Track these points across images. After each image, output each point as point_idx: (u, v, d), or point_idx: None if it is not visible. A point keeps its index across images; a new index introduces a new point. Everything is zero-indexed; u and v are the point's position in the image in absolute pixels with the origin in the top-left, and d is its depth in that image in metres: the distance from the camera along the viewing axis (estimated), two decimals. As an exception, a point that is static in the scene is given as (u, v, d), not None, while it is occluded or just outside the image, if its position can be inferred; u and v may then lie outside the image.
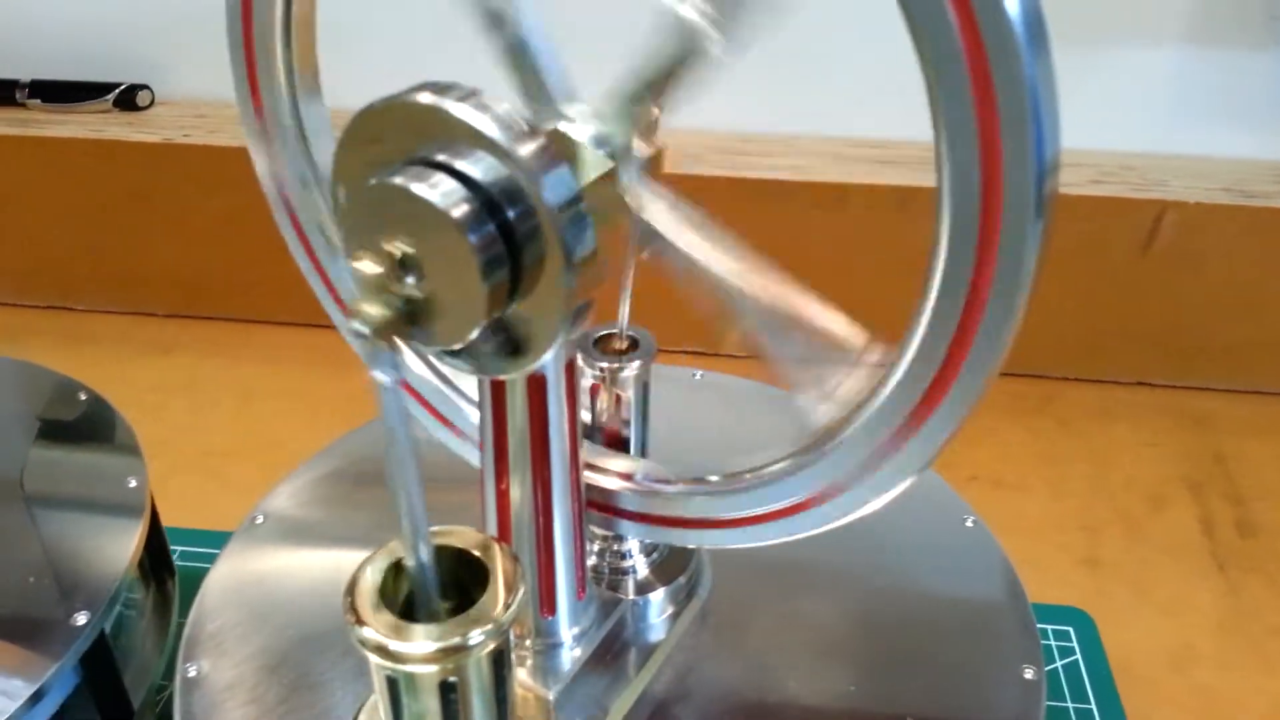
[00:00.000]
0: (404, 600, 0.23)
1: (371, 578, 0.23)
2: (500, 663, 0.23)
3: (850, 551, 0.32)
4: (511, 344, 0.22)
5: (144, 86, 0.69)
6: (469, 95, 0.20)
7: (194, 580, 0.41)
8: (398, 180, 0.19)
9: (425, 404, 0.28)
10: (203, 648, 0.29)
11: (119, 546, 0.33)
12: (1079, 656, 0.49)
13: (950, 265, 0.20)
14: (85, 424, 0.38)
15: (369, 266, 0.19)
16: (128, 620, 0.35)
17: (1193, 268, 0.62)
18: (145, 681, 0.34)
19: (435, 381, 0.28)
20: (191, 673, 0.29)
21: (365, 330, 0.19)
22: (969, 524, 0.34)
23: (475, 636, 0.22)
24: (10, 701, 0.29)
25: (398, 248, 0.19)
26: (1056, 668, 0.49)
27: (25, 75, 0.69)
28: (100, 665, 0.31)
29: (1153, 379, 0.66)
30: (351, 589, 0.22)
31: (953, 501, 0.34)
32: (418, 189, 0.19)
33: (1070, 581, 0.54)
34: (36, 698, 0.29)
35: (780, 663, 0.30)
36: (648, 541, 0.30)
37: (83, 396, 0.39)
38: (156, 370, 0.65)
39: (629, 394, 0.27)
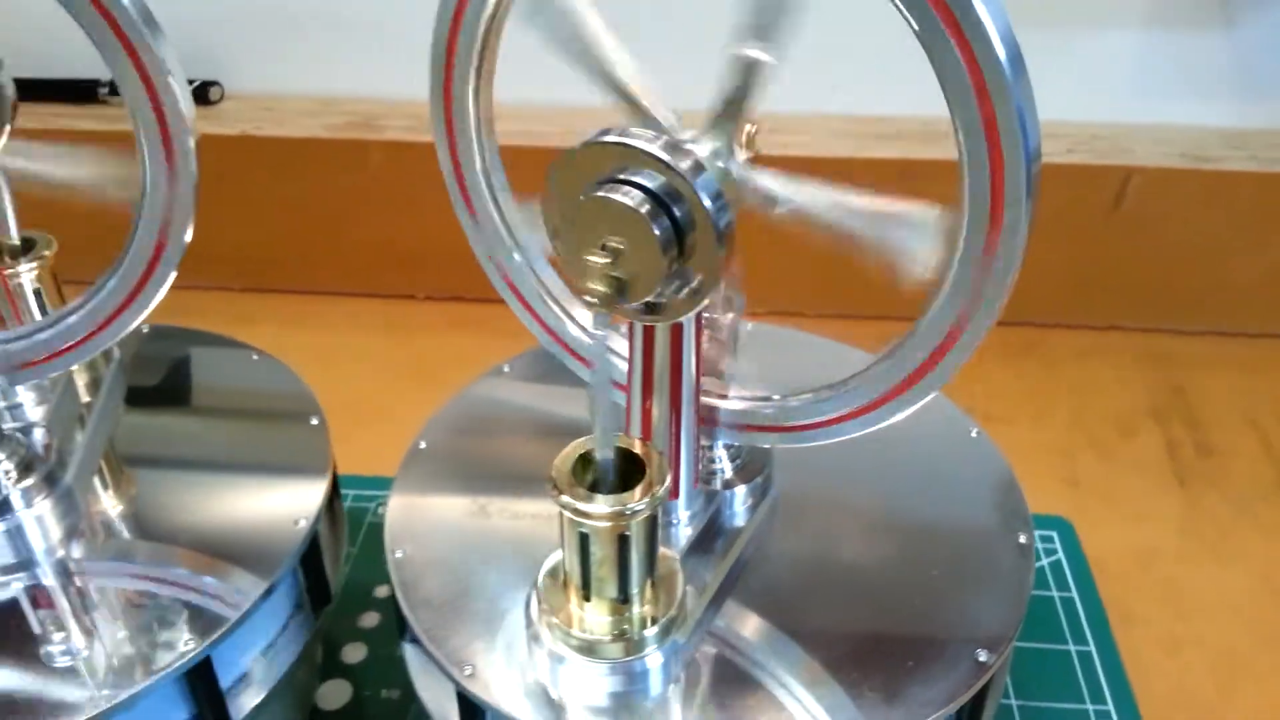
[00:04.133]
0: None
1: (564, 466, 0.33)
2: (653, 526, 0.34)
3: (882, 456, 0.43)
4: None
5: (215, 83, 0.78)
6: (637, 132, 0.31)
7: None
8: (600, 194, 0.30)
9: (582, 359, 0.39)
10: (403, 536, 0.40)
11: (317, 469, 0.43)
12: (1061, 556, 0.60)
13: (971, 225, 0.30)
14: (265, 377, 0.48)
15: (597, 259, 0.29)
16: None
17: (1156, 225, 0.73)
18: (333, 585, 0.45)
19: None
20: (399, 554, 0.39)
21: (596, 303, 0.29)
22: (974, 434, 0.45)
23: (640, 504, 0.33)
24: (254, 589, 0.39)
25: (613, 244, 0.29)
26: (1044, 565, 0.60)
27: (105, 75, 0.79)
28: (313, 564, 0.42)
29: (1123, 323, 0.77)
30: (552, 473, 0.33)
31: (961, 418, 0.45)
32: (617, 197, 0.29)
33: (1054, 496, 0.65)
34: (270, 590, 0.39)
35: (833, 540, 0.41)
36: (731, 450, 0.41)
37: (255, 357, 0.49)
38: (245, 340, 0.75)
39: (725, 337, 0.38)
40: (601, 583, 0.34)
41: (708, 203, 0.30)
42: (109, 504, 0.42)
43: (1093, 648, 0.55)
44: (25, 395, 0.44)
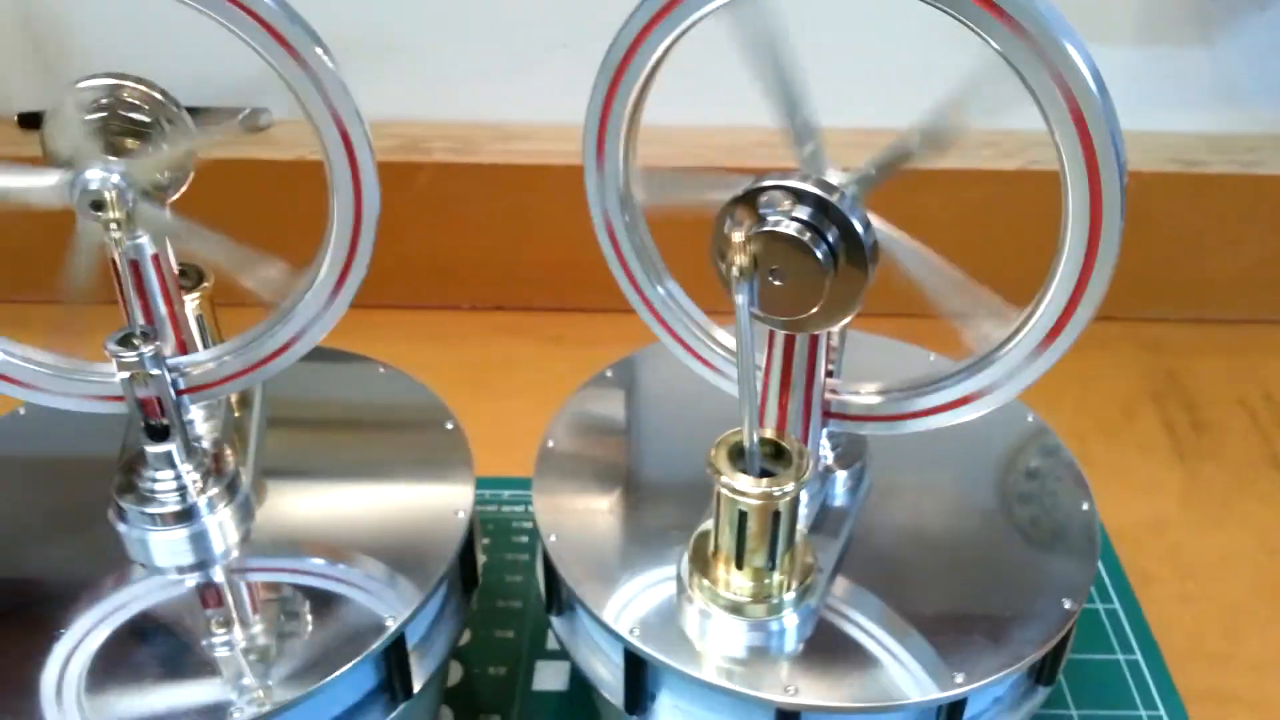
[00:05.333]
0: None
1: (721, 452, 0.40)
2: (795, 505, 0.41)
3: (955, 441, 0.50)
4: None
5: (264, 109, 0.83)
6: (790, 174, 0.37)
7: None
8: (767, 229, 0.36)
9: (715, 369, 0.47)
10: (551, 524, 0.46)
11: (463, 466, 0.49)
12: (1083, 527, 0.68)
13: (1074, 240, 0.38)
14: (394, 387, 0.54)
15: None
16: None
17: (1146, 223, 0.80)
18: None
19: (723, 353, 0.46)
20: (552, 539, 0.46)
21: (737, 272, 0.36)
22: (1030, 419, 0.52)
23: (789, 486, 0.39)
24: (434, 574, 0.45)
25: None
26: (1068, 536, 0.67)
27: (155, 104, 0.83)
28: (468, 550, 0.48)
29: (1119, 314, 0.85)
30: (711, 458, 0.40)
31: (1018, 405, 0.53)
32: (782, 229, 0.36)
33: (1071, 474, 0.73)
34: (443, 579, 0.45)
35: (925, 515, 0.48)
36: (833, 439, 0.48)
37: (381, 370, 0.55)
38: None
39: (835, 341, 0.45)
40: (752, 553, 0.41)
41: (859, 227, 0.37)
42: (279, 510, 0.48)
43: (1118, 606, 0.63)
44: (195, 412, 0.49)
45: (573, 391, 0.54)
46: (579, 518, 0.47)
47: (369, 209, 0.43)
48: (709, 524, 0.43)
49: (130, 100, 0.44)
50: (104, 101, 0.44)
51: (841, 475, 0.48)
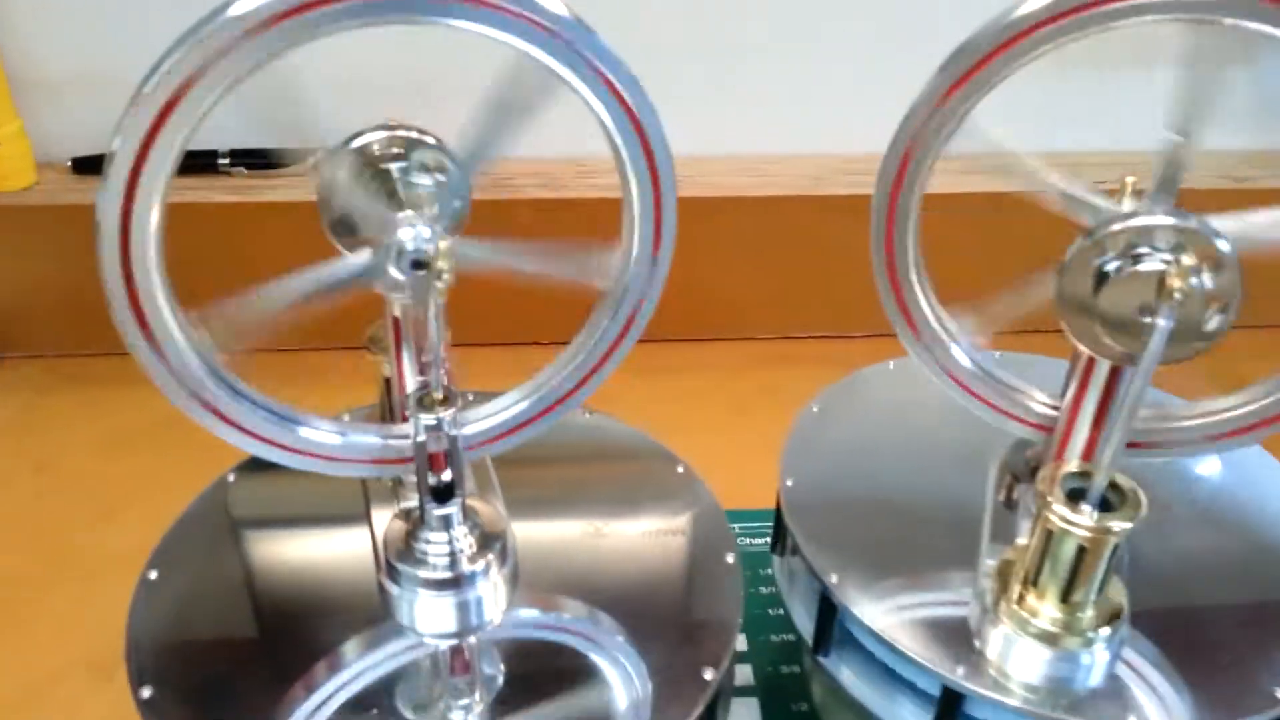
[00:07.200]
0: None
1: (1054, 484, 0.40)
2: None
3: (1182, 468, 0.51)
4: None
5: (334, 149, 0.80)
6: (1144, 213, 0.38)
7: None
8: (1136, 268, 0.37)
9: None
10: (827, 563, 0.46)
11: (713, 508, 0.49)
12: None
13: None
14: (612, 432, 0.53)
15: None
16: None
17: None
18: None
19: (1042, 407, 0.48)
20: (833, 579, 0.45)
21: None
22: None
23: (1128, 523, 0.40)
24: (731, 626, 0.44)
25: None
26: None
27: (223, 146, 0.80)
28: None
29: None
30: (1043, 492, 0.40)
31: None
32: (1154, 268, 0.37)
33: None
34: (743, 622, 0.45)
35: (1183, 541, 0.49)
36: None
37: (588, 415, 0.54)
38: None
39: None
40: (1079, 586, 0.41)
41: (1225, 246, 0.38)
42: (548, 567, 0.47)
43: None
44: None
45: (790, 429, 0.54)
46: (851, 555, 0.47)
47: (666, 246, 0.42)
48: (1011, 551, 0.43)
49: (415, 154, 0.42)
50: (391, 152, 0.41)
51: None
